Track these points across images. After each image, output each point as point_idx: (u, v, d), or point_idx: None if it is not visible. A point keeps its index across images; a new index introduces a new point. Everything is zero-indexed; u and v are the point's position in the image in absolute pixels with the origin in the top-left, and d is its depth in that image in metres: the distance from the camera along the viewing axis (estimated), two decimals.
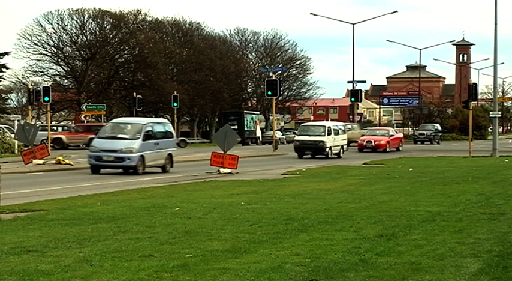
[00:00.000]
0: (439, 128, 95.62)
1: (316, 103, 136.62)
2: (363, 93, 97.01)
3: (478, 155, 48.77)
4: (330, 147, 47.62)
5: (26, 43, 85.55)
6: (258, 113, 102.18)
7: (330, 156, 47.35)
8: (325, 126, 49.14)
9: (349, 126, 64.86)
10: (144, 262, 10.47)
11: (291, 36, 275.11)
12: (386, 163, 39.13)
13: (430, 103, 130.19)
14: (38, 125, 50.69)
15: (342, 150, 49.57)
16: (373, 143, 57.02)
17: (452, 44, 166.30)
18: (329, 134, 47.93)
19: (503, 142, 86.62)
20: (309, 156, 47.95)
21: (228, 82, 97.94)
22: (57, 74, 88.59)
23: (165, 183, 25.75)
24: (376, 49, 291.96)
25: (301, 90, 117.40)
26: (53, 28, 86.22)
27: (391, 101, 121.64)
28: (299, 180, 26.75)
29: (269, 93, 56.01)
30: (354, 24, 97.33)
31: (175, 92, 76.31)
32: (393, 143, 58.51)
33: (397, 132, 62.62)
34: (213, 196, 20.32)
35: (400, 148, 59.74)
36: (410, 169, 33.00)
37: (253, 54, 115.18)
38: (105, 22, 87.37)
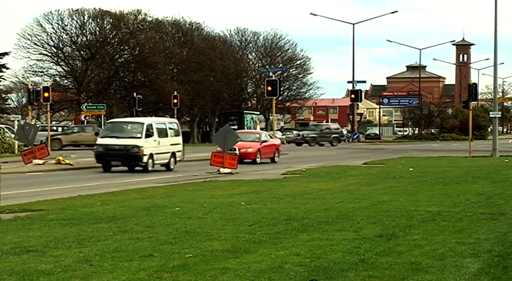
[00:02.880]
0: (336, 127, 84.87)
1: (316, 103, 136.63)
2: (362, 93, 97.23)
3: (478, 155, 48.76)
4: (152, 155, 33.53)
5: (26, 43, 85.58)
6: (258, 113, 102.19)
7: (151, 168, 33.44)
8: (143, 124, 34.38)
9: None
10: (144, 262, 10.47)
11: (291, 36, 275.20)
12: (386, 163, 39.14)
13: (430, 103, 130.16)
14: (38, 125, 50.68)
15: (174, 159, 35.40)
16: (237, 152, 39.11)
17: (452, 44, 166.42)
18: (149, 135, 33.88)
19: (503, 142, 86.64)
20: (126, 168, 33.97)
21: (228, 82, 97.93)
22: (57, 74, 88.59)
23: (165, 183, 25.75)
24: (376, 49, 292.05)
25: (301, 90, 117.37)
26: (53, 28, 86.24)
27: (391, 101, 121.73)
28: (299, 180, 26.75)
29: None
30: (354, 24, 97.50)
31: (175, 92, 76.32)
32: (266, 152, 41.97)
33: (272, 137, 45.86)
34: (213, 196, 20.32)
35: (277, 159, 42.71)
36: (410, 169, 33.00)
37: (253, 54, 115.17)
38: (105, 22, 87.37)
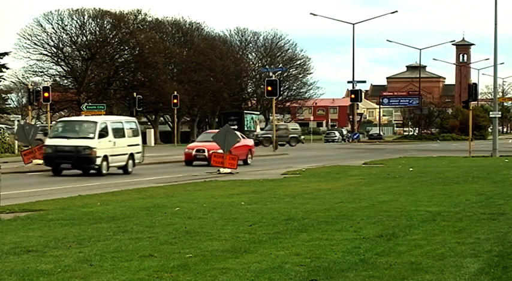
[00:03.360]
0: (295, 128, 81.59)
1: (316, 103, 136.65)
2: (362, 93, 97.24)
3: (478, 155, 48.76)
4: (106, 157, 30.78)
5: (26, 43, 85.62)
6: (258, 113, 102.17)
7: (105, 171, 30.72)
8: (96, 123, 31.58)
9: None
10: (144, 262, 10.47)
11: (291, 36, 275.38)
12: (387, 163, 39.14)
13: (430, 103, 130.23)
14: (37, 125, 50.67)
15: (132, 162, 32.58)
16: (206, 153, 37.79)
17: (452, 44, 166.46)
18: (103, 135, 31.11)
19: (503, 142, 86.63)
20: (79, 172, 31.07)
21: (228, 82, 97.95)
22: (57, 74, 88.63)
23: (165, 183, 25.75)
24: (376, 49, 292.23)
25: (301, 90, 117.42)
26: (53, 28, 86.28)
27: (391, 101, 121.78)
28: (299, 180, 26.75)
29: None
30: (354, 24, 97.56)
31: (175, 92, 76.31)
32: (238, 154, 36.90)
33: (244, 138, 41.92)
34: (213, 196, 20.32)
35: (249, 161, 39.93)
36: (410, 169, 33.00)
37: (253, 54, 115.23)
38: (105, 22, 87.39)
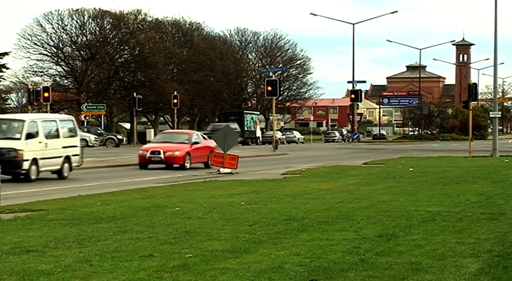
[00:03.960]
0: (234, 128, 74.20)
1: (316, 103, 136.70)
2: (362, 93, 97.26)
3: (478, 155, 48.77)
4: (35, 160, 27.17)
5: (26, 43, 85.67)
6: (258, 113, 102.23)
7: (34, 177, 27.09)
8: (23, 122, 27.89)
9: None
10: (144, 262, 10.47)
11: (291, 36, 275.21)
12: (386, 163, 39.15)
13: (430, 103, 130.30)
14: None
15: (68, 165, 29.10)
16: (162, 155, 34.91)
17: (452, 44, 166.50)
18: (32, 135, 27.51)
19: (503, 142, 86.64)
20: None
21: (228, 82, 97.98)
22: (57, 74, 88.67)
23: (165, 183, 25.75)
24: (376, 49, 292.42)
25: (301, 90, 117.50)
26: (53, 28, 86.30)
27: (391, 101, 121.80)
28: (299, 180, 26.74)
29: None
30: (354, 24, 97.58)
31: (175, 92, 76.29)
32: (197, 156, 36.14)
33: (206, 139, 39.06)
34: (213, 196, 20.31)
35: (210, 164, 34.70)
36: (410, 169, 33.00)
37: (253, 54, 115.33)
38: (105, 22, 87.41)
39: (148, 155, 35.33)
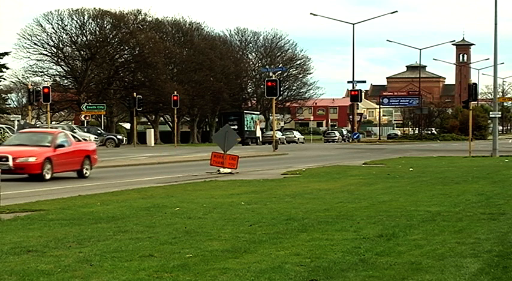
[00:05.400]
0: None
1: (316, 103, 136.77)
2: (362, 93, 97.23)
3: (478, 155, 48.76)
4: None
5: (26, 43, 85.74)
6: (258, 113, 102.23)
7: None
8: None
9: None
10: (144, 262, 10.47)
11: (291, 36, 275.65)
12: (387, 163, 39.14)
13: (430, 103, 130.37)
14: (38, 125, 50.69)
15: None
16: (10, 163, 26.75)
17: (452, 44, 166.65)
18: None
19: (503, 141, 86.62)
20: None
21: (228, 82, 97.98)
22: (57, 74, 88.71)
23: (165, 183, 25.75)
24: (376, 49, 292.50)
25: (301, 90, 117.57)
26: (53, 28, 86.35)
27: (391, 101, 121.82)
28: (299, 180, 26.74)
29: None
30: (353, 24, 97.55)
31: (175, 92, 76.30)
32: (64, 163, 28.38)
33: (80, 140, 32.64)
34: (213, 196, 20.31)
35: (87, 173, 29.59)
36: (410, 169, 32.99)
37: (253, 54, 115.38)
38: (105, 22, 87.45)
39: None
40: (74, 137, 31.38)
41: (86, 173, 29.55)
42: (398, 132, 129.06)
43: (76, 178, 28.80)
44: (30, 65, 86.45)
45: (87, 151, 30.37)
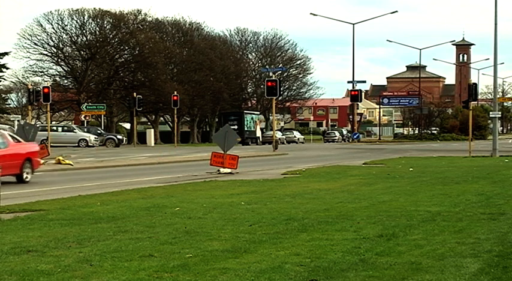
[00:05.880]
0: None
1: (316, 103, 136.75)
2: (362, 93, 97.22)
3: (478, 155, 48.75)
4: None
5: (26, 43, 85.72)
6: (258, 113, 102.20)
7: None
8: None
9: None
10: (144, 262, 10.47)
11: (291, 36, 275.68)
12: (387, 163, 39.13)
13: (430, 103, 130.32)
14: (38, 125, 50.68)
15: None
16: None
17: (452, 44, 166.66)
18: None
19: (503, 141, 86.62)
20: None
21: (228, 82, 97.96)
22: (57, 74, 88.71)
23: (165, 183, 25.75)
24: (376, 49, 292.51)
25: (301, 90, 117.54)
26: (53, 28, 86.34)
27: (391, 101, 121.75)
28: (299, 180, 26.74)
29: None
30: (354, 24, 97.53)
31: (175, 92, 76.30)
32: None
33: (20, 141, 28.68)
34: (213, 196, 20.31)
35: (29, 177, 27.06)
36: (410, 169, 32.99)
37: (253, 54, 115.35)
38: (105, 22, 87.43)
39: None
40: (13, 138, 28.30)
41: (26, 177, 26.72)
42: (405, 132, 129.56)
43: (78, 179, 28.79)
44: (30, 65, 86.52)
45: (28, 153, 27.63)
